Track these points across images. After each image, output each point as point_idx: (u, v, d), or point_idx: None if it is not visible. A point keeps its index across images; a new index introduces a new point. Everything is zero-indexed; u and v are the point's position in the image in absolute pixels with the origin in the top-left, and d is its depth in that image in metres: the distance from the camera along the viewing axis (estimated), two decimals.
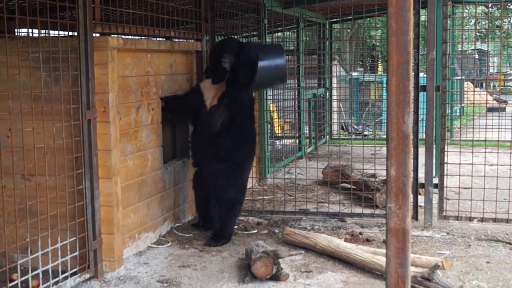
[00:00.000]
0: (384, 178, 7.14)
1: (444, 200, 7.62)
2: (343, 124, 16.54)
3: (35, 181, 5.46)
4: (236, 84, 7.00)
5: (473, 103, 11.12)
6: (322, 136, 14.48)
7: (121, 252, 6.25)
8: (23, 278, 5.06)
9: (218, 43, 7.74)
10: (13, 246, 5.20)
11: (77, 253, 5.64)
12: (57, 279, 5.38)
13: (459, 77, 15.49)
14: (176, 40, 7.79)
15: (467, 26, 16.46)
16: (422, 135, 8.08)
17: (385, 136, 2.92)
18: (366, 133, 16.02)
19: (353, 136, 14.98)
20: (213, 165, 7.05)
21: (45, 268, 5.27)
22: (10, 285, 4.92)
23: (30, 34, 5.80)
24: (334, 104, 15.31)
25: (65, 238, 5.51)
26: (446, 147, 7.63)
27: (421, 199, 7.81)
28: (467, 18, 14.51)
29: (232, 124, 6.99)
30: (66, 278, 5.49)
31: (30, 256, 5.21)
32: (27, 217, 5.22)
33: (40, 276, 5.20)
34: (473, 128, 8.96)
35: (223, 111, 6.98)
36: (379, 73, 19.80)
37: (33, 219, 5.26)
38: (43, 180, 5.43)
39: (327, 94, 14.29)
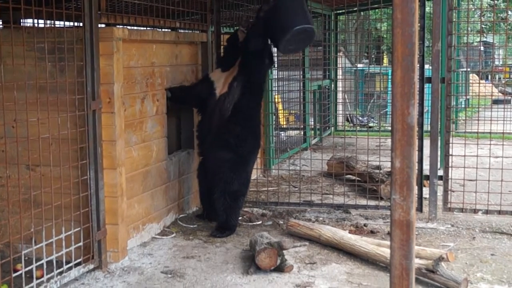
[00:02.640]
0: (389, 169, 7.14)
1: (449, 192, 7.61)
2: (348, 115, 16.52)
3: (39, 171, 5.47)
4: (247, 52, 7.03)
5: (478, 95, 11.11)
6: (327, 128, 14.47)
7: (125, 243, 6.26)
8: (27, 269, 5.07)
9: None
10: (17, 237, 5.22)
11: (81, 243, 5.66)
12: (61, 269, 5.40)
13: (465, 69, 15.45)
14: (182, 31, 7.79)
15: (473, 18, 16.41)
16: (427, 127, 8.07)
17: (390, 128, 2.92)
18: (371, 124, 16.00)
19: (358, 128, 14.96)
20: (220, 155, 7.05)
21: (49, 258, 5.28)
22: (14, 275, 4.93)
23: (36, 25, 5.81)
24: (339, 95, 15.28)
25: (69, 229, 5.52)
26: (451, 139, 7.62)
27: (425, 191, 7.79)
28: (473, 10, 14.46)
29: (241, 107, 7.03)
30: (70, 268, 5.50)
31: (34, 246, 5.22)
32: (31, 208, 5.23)
33: (44, 266, 5.22)
34: (478, 120, 8.94)
35: (233, 96, 6.99)
36: (384, 64, 19.78)
37: (37, 210, 5.28)
38: (48, 170, 5.44)
39: (332, 85, 14.27)
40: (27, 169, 5.67)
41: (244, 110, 7.06)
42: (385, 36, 22.27)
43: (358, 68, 17.26)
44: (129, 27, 6.49)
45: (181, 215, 7.61)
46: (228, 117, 7.02)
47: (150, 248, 6.58)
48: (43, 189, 5.29)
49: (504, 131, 8.48)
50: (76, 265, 5.59)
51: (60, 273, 5.39)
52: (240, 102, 7.02)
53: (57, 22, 5.70)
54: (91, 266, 5.78)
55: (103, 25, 6.08)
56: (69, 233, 5.52)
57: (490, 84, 17.76)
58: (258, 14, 7.14)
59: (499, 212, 7.49)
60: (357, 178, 9.07)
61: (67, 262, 5.49)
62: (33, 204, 5.29)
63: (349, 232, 6.77)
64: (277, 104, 12.29)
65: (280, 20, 6.81)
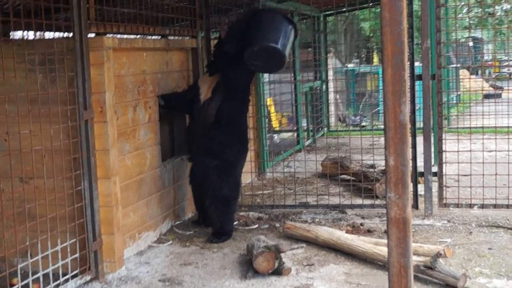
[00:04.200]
0: (383, 168, 7.15)
1: (444, 188, 7.62)
2: (340, 116, 16.54)
3: (33, 183, 5.45)
4: (221, 57, 6.99)
5: (469, 91, 11.13)
6: (320, 129, 14.48)
7: (122, 252, 6.24)
8: (23, 282, 5.05)
9: None
10: (12, 251, 5.20)
11: (77, 255, 5.64)
12: (58, 282, 5.37)
13: (454, 65, 15.48)
14: (171, 37, 7.79)
15: (461, 14, 16.46)
16: (419, 124, 8.08)
17: (382, 126, 2.92)
18: (363, 124, 16.01)
19: (351, 128, 14.97)
20: (205, 162, 7.03)
21: (45, 271, 5.26)
22: None
23: (26, 37, 5.80)
24: (331, 96, 15.30)
25: (65, 240, 5.50)
26: (444, 135, 7.64)
27: (420, 188, 7.82)
28: (460, 6, 14.50)
29: (223, 113, 6.97)
30: (67, 280, 5.48)
31: (30, 259, 5.20)
32: (26, 220, 5.22)
33: (41, 279, 5.19)
34: (470, 115, 8.96)
35: (217, 101, 6.96)
36: (374, 63, 19.80)
37: (32, 222, 5.26)
38: (42, 182, 5.42)
39: (324, 86, 14.28)
40: (20, 182, 5.65)
41: (227, 116, 6.99)
42: (372, 35, 22.30)
43: (349, 68, 17.30)
44: (119, 36, 6.48)
45: (177, 222, 7.60)
46: (212, 124, 6.97)
47: (147, 257, 6.56)
48: (37, 201, 5.28)
49: (496, 125, 8.50)
50: (73, 277, 5.57)
51: (57, 285, 5.36)
52: (223, 108, 6.96)
53: (47, 33, 5.70)
54: (88, 278, 5.76)
55: (93, 35, 6.07)
56: (65, 244, 5.50)
57: (481, 79, 17.82)
58: (234, 23, 7.06)
59: (495, 206, 7.51)
60: (352, 178, 9.07)
61: (64, 274, 5.46)
62: (28, 216, 5.28)
63: (346, 232, 6.76)
64: (269, 107, 12.30)
65: (254, 32, 6.70)
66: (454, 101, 16.38)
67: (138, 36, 7.16)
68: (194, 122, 7.22)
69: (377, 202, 8.05)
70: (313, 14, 13.23)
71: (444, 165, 7.61)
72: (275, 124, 13.64)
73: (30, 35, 5.92)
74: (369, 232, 7.06)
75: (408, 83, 2.78)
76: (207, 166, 7.02)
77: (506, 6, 21.21)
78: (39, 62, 5.38)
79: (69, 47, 5.55)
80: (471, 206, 7.59)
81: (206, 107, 7.00)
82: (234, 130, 7.07)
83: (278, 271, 5.84)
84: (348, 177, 9.22)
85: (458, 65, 16.69)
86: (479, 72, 20.99)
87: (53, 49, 5.47)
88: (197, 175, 7.27)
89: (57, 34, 5.93)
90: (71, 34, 5.54)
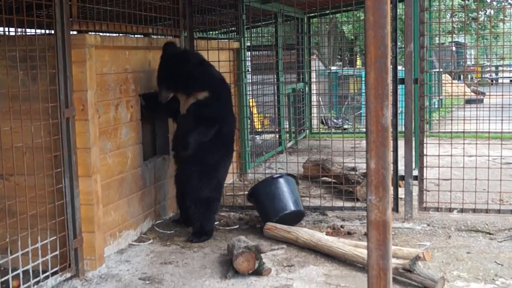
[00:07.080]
0: (364, 171, 7.17)
1: (424, 191, 7.65)
2: (322, 118, 16.56)
3: (14, 180, 5.43)
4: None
5: (451, 95, 11.18)
6: (302, 131, 14.50)
7: (102, 250, 6.22)
8: (3, 279, 5.02)
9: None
10: None
11: (57, 252, 5.61)
12: (38, 278, 5.35)
13: (437, 70, 15.56)
14: (154, 36, 7.77)
15: (444, 19, 16.54)
16: (401, 127, 8.11)
17: (364, 130, 2.93)
18: (345, 126, 16.05)
19: (333, 130, 15.00)
20: (187, 166, 7.04)
21: (25, 268, 5.22)
22: None
23: (7, 33, 5.76)
24: (314, 98, 15.33)
25: (45, 238, 5.48)
26: (425, 139, 7.67)
27: (401, 191, 7.84)
28: (444, 11, 14.55)
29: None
30: (47, 277, 5.46)
31: (10, 256, 5.17)
32: (6, 217, 5.19)
33: (21, 276, 5.16)
34: (451, 120, 8.99)
35: (194, 119, 6.92)
36: (357, 67, 19.85)
37: (12, 219, 5.23)
38: (22, 179, 5.40)
39: (307, 88, 14.31)
40: (1, 179, 5.62)
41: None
42: (353, 38, 22.35)
43: (332, 71, 17.33)
44: (101, 34, 6.45)
45: (158, 221, 7.59)
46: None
47: (128, 255, 6.55)
48: (17, 198, 5.25)
49: (477, 130, 8.54)
50: (53, 274, 5.54)
51: (37, 282, 5.34)
52: (201, 123, 6.91)
53: (28, 30, 5.67)
54: (68, 275, 5.74)
55: (75, 32, 6.04)
56: (45, 242, 5.48)
57: (463, 84, 17.92)
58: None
59: (474, 211, 7.55)
60: (333, 180, 9.09)
61: (44, 271, 5.44)
62: (8, 213, 5.25)
63: (326, 234, 6.79)
64: (251, 108, 12.30)
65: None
66: (436, 106, 16.46)
67: (121, 35, 7.13)
68: (176, 129, 7.22)
69: (358, 204, 8.07)
70: (297, 16, 13.26)
71: (424, 169, 7.64)
72: (257, 125, 13.65)
73: (12, 31, 5.87)
74: (349, 234, 7.08)
75: (390, 87, 2.79)
76: (189, 170, 7.02)
77: (489, 11, 21.35)
78: (20, 58, 5.34)
79: (51, 44, 5.52)
80: (450, 210, 7.62)
81: (185, 119, 6.98)
82: (215, 138, 7.01)
83: (258, 272, 5.85)
84: (329, 180, 9.24)
85: (441, 70, 16.78)
86: (462, 77, 21.11)
87: (34, 46, 5.44)
88: (180, 176, 7.26)
89: (39, 31, 5.90)
90: (53, 31, 5.52)
